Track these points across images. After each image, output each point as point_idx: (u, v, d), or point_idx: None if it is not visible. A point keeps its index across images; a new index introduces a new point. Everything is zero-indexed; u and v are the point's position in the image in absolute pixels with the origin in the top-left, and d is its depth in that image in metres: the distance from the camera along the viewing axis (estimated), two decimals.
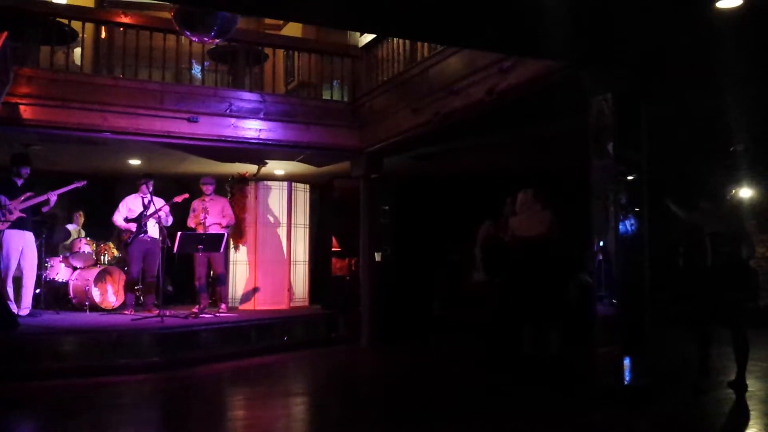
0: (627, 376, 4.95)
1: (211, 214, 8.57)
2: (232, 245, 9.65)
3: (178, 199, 8.32)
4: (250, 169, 9.83)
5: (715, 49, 4.94)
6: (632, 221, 5.07)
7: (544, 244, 6.39)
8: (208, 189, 8.67)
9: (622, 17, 4.58)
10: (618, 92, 5.14)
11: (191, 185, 9.41)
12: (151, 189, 8.20)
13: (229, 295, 9.32)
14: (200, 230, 8.40)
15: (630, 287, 5.06)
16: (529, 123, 7.28)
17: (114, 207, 8.49)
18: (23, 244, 7.36)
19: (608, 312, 5.08)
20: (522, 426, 4.61)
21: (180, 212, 8.67)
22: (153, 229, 8.27)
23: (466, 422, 4.68)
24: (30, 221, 7.46)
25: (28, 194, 7.36)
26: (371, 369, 7.60)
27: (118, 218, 8.38)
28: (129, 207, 8.37)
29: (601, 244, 5.14)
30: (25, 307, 7.42)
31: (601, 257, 5.13)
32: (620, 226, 5.03)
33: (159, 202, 8.20)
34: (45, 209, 7.61)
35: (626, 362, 4.93)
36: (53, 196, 7.48)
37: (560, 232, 6.47)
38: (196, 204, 8.70)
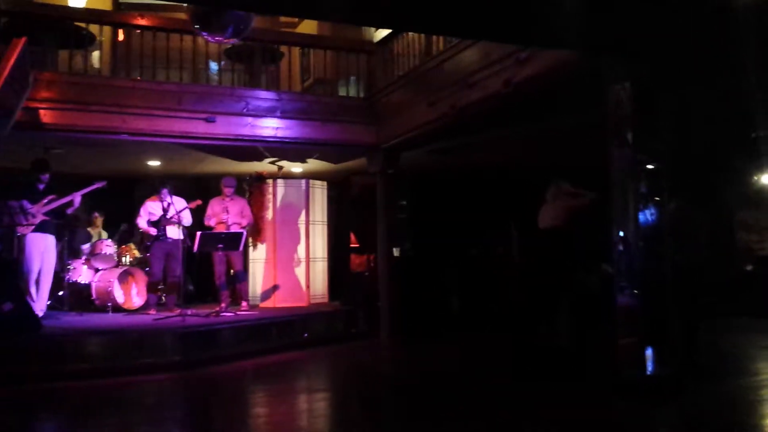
0: (649, 368, 4.89)
1: (232, 214, 8.62)
2: (250, 243, 9.70)
3: (192, 205, 8.39)
4: (267, 167, 9.86)
5: (736, 36, 4.86)
6: (652, 210, 5.01)
7: (558, 237, 6.35)
8: (228, 190, 8.71)
9: (640, 6, 4.52)
10: (636, 80, 5.07)
11: (210, 185, 9.46)
12: (171, 194, 8.25)
13: (249, 293, 9.37)
14: (222, 229, 8.45)
15: (651, 277, 5.00)
16: (548, 115, 7.21)
17: (132, 208, 8.58)
18: (44, 248, 7.44)
19: (629, 302, 5.02)
20: (543, 419, 4.58)
21: (196, 213, 8.71)
22: (174, 231, 8.33)
23: (488, 416, 4.66)
24: (52, 225, 7.51)
25: (51, 197, 7.44)
26: (391, 365, 7.60)
27: (141, 222, 8.50)
28: (149, 211, 8.46)
29: (621, 234, 5.08)
30: (40, 310, 7.48)
31: (621, 247, 5.07)
32: (640, 216, 4.97)
33: (180, 202, 8.26)
34: (69, 210, 7.67)
35: (648, 353, 4.88)
36: (77, 197, 7.54)
37: (581, 223, 6.42)
38: (215, 203, 8.74)
